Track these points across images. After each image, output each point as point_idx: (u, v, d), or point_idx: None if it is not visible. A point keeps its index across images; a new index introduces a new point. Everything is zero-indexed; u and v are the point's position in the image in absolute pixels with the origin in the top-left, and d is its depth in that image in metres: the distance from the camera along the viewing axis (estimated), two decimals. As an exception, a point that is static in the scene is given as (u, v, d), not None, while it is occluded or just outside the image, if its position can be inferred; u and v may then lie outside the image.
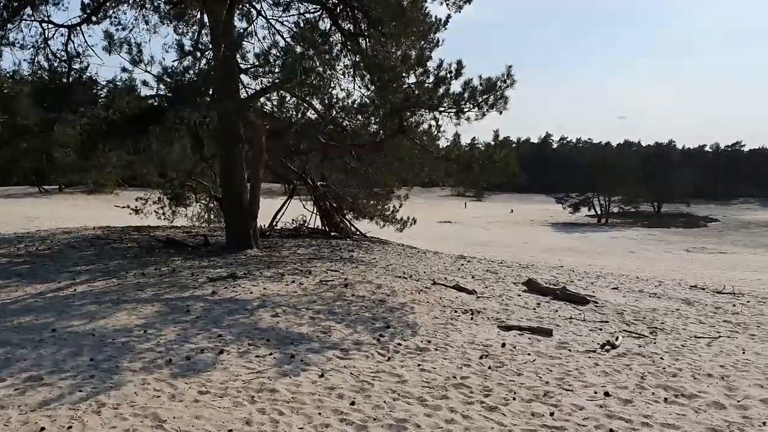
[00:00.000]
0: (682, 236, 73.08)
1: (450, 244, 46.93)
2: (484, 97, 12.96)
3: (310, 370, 7.75)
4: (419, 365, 8.11)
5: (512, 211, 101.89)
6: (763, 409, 7.21)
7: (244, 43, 17.29)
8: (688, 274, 32.63)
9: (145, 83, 15.61)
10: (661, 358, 9.20)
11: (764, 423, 6.69)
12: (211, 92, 16.99)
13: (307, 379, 7.45)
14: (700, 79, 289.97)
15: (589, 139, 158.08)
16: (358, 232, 25.54)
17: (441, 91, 13.46)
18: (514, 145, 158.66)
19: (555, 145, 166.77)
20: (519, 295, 13.87)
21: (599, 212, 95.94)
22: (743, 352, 10.12)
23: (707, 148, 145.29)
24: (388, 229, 25.70)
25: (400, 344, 9.02)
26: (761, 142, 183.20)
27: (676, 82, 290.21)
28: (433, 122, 15.73)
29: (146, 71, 15.24)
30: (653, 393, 7.50)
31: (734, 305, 15.24)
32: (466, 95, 13.17)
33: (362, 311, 10.85)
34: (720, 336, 11.33)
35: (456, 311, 11.45)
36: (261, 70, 14.64)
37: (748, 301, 16.27)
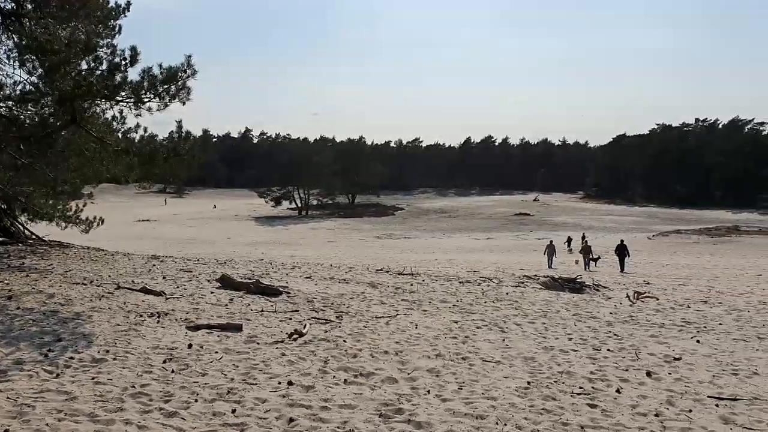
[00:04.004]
0: (374, 224, 79.39)
1: (147, 244, 44.64)
2: (165, 86, 12.33)
3: (-48, 402, 6.55)
4: (93, 378, 7.37)
5: (215, 207, 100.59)
6: (428, 378, 7.96)
7: None
8: (378, 258, 35.45)
9: None
10: (344, 341, 9.68)
11: (428, 391, 7.37)
12: None
13: (-54, 413, 6.28)
14: (383, 81, 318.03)
15: (288, 134, 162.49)
16: (33, 236, 22.76)
17: (118, 79, 12.47)
18: (215, 139, 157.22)
19: (256, 140, 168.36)
20: (212, 293, 13.56)
21: (300, 205, 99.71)
22: (416, 327, 11.14)
23: (392, 144, 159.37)
24: (73, 231, 23.34)
25: (72, 358, 8.11)
26: (435, 138, 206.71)
27: (364, 82, 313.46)
28: (112, 113, 14.55)
29: None
30: (334, 376, 7.82)
31: (411, 285, 16.81)
32: (145, 84, 12.39)
33: (29, 325, 9.57)
34: (398, 314, 12.35)
35: (141, 315, 10.74)
36: None
37: (423, 280, 18.10)
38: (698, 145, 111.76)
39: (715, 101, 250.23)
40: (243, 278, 15.41)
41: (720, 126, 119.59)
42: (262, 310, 11.86)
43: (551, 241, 34.85)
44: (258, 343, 9.34)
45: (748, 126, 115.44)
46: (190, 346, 8.95)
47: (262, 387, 7.27)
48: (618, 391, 7.69)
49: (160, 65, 12.43)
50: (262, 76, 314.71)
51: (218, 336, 9.68)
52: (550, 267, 30.33)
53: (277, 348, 9.09)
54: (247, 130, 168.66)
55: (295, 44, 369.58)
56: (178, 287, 13.99)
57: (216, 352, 8.73)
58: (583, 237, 44.79)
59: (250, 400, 6.78)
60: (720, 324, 12.87)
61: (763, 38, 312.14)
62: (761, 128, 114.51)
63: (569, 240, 46.01)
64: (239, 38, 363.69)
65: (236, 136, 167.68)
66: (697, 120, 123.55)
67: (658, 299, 16.37)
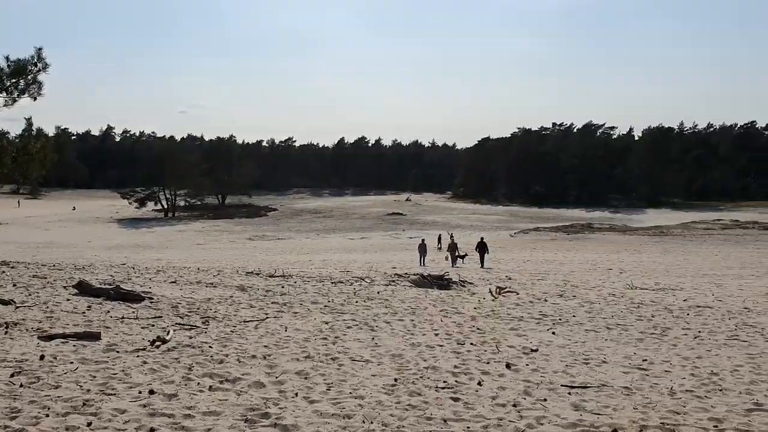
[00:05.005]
0: (245, 225, 77.95)
1: (-3, 249, 41.26)
2: (13, 80, 11.44)
3: None
4: (-74, 399, 6.71)
5: (74, 209, 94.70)
6: (297, 381, 7.92)
7: None
8: (249, 260, 34.82)
9: None
10: (210, 347, 9.44)
11: (296, 394, 7.33)
12: None
13: None
14: (257, 79, 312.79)
15: (153, 132, 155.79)
16: None
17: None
18: (74, 137, 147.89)
19: (118, 138, 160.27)
20: (68, 300, 12.78)
21: (166, 206, 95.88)
22: (286, 330, 11.05)
23: (264, 143, 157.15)
24: None
25: None
26: (309, 138, 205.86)
27: (235, 81, 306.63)
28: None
29: None
30: (199, 383, 7.59)
31: (283, 287, 16.66)
32: (-9, 78, 11.45)
33: None
34: (267, 317, 12.19)
35: (-14, 327, 9.92)
36: None
37: (295, 282, 17.99)
38: (555, 148, 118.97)
39: (572, 106, 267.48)
40: (103, 284, 14.65)
41: (575, 130, 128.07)
42: (123, 317, 11.32)
43: (423, 240, 35.79)
44: (118, 352, 8.89)
45: (600, 130, 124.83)
46: (42, 357, 8.37)
47: (121, 397, 6.94)
48: (479, 383, 8.02)
49: (7, 57, 11.57)
50: (127, 73, 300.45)
51: (74, 346, 9.12)
52: (421, 265, 31.10)
53: (138, 356, 8.70)
54: (109, 128, 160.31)
55: (163, 39, 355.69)
56: (30, 295, 13.07)
57: (71, 363, 8.22)
58: (451, 235, 46.26)
59: (107, 412, 6.44)
60: (574, 316, 13.77)
61: (611, 44, 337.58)
62: (611, 132, 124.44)
63: (440, 238, 47.43)
64: (103, 31, 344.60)
65: (97, 134, 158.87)
66: (554, 124, 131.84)
67: (518, 294, 17.25)
